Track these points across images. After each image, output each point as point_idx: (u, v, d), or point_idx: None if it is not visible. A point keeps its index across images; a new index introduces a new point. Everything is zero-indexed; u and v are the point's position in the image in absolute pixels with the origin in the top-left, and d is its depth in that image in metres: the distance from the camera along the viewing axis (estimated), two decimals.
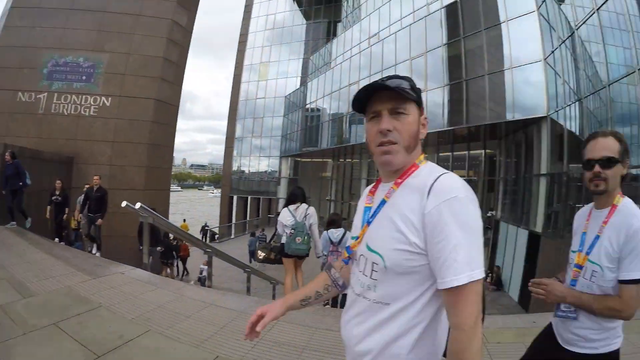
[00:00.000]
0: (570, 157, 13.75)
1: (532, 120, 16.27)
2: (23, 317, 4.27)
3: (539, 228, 15.38)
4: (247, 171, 46.22)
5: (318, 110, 33.93)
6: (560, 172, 14.53)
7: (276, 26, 45.20)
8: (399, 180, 1.39)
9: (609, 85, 11.61)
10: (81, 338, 3.82)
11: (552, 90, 15.51)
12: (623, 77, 11.03)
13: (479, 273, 1.21)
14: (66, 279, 5.60)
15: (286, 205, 6.77)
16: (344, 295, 1.88)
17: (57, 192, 10.90)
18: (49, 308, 4.61)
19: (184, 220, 34.39)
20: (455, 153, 23.25)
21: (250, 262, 18.03)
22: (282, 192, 40.12)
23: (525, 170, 17.74)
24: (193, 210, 76.26)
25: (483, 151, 22.56)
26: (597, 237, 2.02)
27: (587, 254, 2.06)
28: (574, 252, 2.16)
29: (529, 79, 16.32)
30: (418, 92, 1.44)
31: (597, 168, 1.99)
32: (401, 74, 1.51)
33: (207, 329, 4.43)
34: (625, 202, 2.01)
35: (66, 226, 11.43)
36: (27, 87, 17.85)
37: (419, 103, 1.44)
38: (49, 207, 10.97)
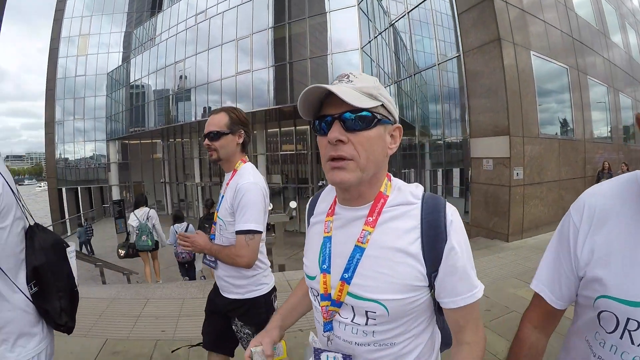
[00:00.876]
0: None
1: None
2: None
3: None
4: (72, 159, 40.40)
5: (144, 88, 31.89)
6: None
7: None
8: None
9: (418, 73, 14.04)
10: None
11: (368, 73, 17.49)
12: (428, 68, 13.62)
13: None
14: None
15: (133, 209, 8.39)
16: None
17: None
18: None
19: None
20: (282, 129, 24.22)
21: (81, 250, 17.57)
22: (113, 179, 37.31)
23: None
24: None
25: (309, 127, 23.83)
26: (222, 196, 2.41)
27: (217, 211, 2.43)
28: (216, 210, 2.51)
29: (349, 63, 18.20)
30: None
31: (206, 141, 2.38)
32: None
33: (88, 319, 4.77)
34: (244, 166, 2.40)
35: None
36: None
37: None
38: None
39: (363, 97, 1.15)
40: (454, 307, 1.21)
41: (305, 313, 1.63)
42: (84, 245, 19.99)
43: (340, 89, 1.12)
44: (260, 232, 2.27)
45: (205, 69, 24.45)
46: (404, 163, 16.10)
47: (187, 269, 8.96)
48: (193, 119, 25.36)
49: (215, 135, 2.33)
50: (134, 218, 8.26)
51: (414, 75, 14.55)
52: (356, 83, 1.18)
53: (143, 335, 4.42)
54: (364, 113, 1.14)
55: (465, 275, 1.19)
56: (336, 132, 1.15)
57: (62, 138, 39.94)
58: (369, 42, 17.68)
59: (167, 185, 33.34)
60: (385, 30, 17.43)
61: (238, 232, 2.23)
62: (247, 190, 2.21)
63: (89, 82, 38.64)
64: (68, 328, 1.82)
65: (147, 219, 8.23)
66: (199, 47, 24.96)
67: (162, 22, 30.53)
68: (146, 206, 8.53)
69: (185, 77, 26.72)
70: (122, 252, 8.34)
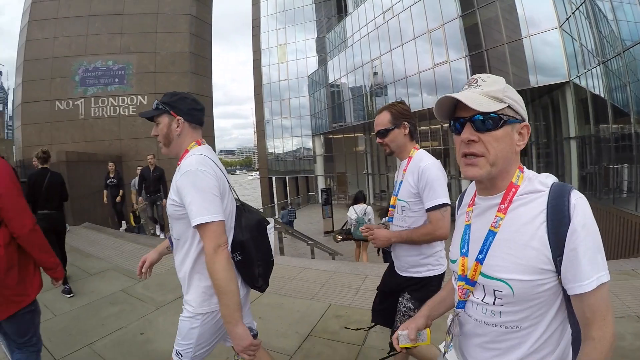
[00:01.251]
0: (597, 120, 14.03)
1: (556, 86, 16.49)
2: (148, 296, 5.10)
3: None
4: (281, 152, 46.40)
5: (340, 87, 34.16)
6: (589, 134, 14.70)
7: (286, 8, 44.74)
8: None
9: (627, 50, 11.55)
10: None
11: (571, 54, 15.72)
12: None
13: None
14: (165, 261, 6.10)
15: (352, 204, 9.69)
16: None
17: (112, 175, 11.09)
18: (166, 286, 5.36)
19: None
20: None
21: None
22: (319, 169, 40.38)
23: (555, 134, 17.94)
24: None
25: None
26: (401, 182, 2.58)
27: (396, 195, 2.61)
28: (393, 196, 2.70)
29: (546, 44, 16.58)
30: (167, 103, 2.16)
31: (378, 139, 2.63)
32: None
33: (313, 287, 5.48)
34: (418, 153, 2.57)
35: (121, 209, 11.51)
36: (63, 95, 18.74)
37: None
38: (105, 192, 11.12)
39: (490, 101, 1.27)
40: (579, 293, 1.21)
41: (452, 307, 1.61)
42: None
43: (467, 97, 1.26)
44: (450, 205, 2.43)
45: (399, 64, 24.50)
46: (617, 157, 13.57)
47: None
48: None
49: (383, 133, 2.57)
50: (353, 212, 9.39)
51: (623, 52, 12.16)
52: (483, 87, 1.30)
53: (363, 305, 4.71)
54: (491, 115, 1.26)
55: (588, 260, 1.20)
56: (467, 132, 1.30)
57: (270, 134, 46.03)
58: (567, 18, 15.65)
59: (369, 177, 34.53)
60: (583, 2, 15.01)
61: (431, 209, 2.41)
62: (429, 169, 2.40)
63: (292, 85, 43.76)
64: (262, 289, 2.25)
65: (365, 213, 9.32)
66: (392, 43, 25.10)
67: (352, 25, 31.74)
68: (364, 203, 9.72)
69: (376, 74, 27.44)
70: (339, 238, 9.32)
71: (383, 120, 2.57)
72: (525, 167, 1.38)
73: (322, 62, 39.72)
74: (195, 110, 2.19)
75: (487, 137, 1.27)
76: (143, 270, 2.43)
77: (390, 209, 2.70)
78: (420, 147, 2.62)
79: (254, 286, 2.20)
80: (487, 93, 1.28)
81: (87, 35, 19.22)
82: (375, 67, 27.54)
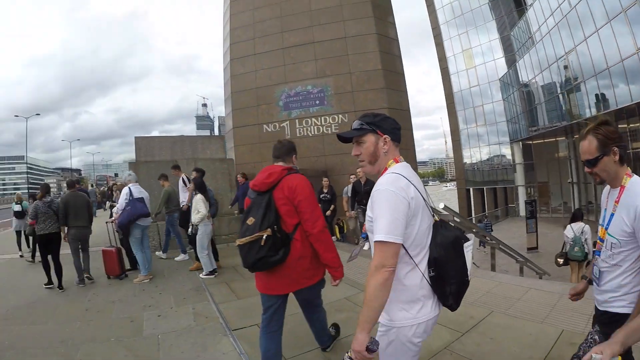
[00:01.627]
0: None
1: None
2: None
3: None
4: (476, 161, 44.55)
5: (536, 87, 31.71)
6: None
7: (464, 11, 43.34)
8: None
9: None
10: (440, 319, 4.72)
11: None
12: None
13: None
14: None
15: (570, 222, 9.42)
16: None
17: (325, 190, 11.59)
18: None
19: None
20: None
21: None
22: (519, 179, 38.13)
23: None
24: None
25: None
26: (612, 215, 2.32)
27: (606, 228, 2.36)
28: (600, 225, 2.48)
29: None
30: (372, 123, 2.27)
31: (586, 169, 2.39)
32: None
33: (542, 309, 5.22)
34: (632, 181, 2.27)
35: (330, 222, 11.67)
36: (269, 119, 21.45)
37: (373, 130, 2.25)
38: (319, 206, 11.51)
39: None
40: None
41: None
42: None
43: None
44: None
45: (596, 53, 22.33)
46: None
47: None
48: (596, 112, 23.35)
49: (592, 162, 2.32)
50: (570, 230, 9.17)
51: None
52: None
53: None
54: None
55: None
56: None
57: (465, 143, 44.57)
58: None
59: (574, 186, 31.30)
60: None
61: None
62: None
63: (483, 90, 41.76)
64: (452, 308, 2.23)
65: (582, 232, 9.00)
66: (585, 30, 23.08)
67: (536, 17, 29.89)
68: (581, 221, 9.36)
69: (566, 67, 25.69)
70: (561, 261, 9.35)
71: (589, 148, 2.31)
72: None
73: (511, 62, 37.46)
74: (396, 130, 2.29)
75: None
76: None
77: (598, 241, 2.49)
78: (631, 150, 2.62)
79: (444, 304, 2.22)
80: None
81: (284, 65, 21.54)
82: (569, 60, 25.35)
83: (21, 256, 11.23)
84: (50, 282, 7.80)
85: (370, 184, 9.71)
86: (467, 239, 2.28)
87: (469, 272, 2.25)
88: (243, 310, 5.90)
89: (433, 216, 2.25)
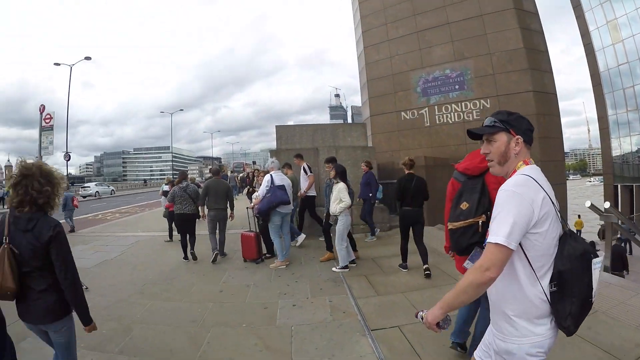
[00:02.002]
0: None
1: None
2: None
3: None
4: (626, 153, 37.41)
5: None
6: None
7: None
8: None
9: None
10: (599, 343, 4.06)
11: None
12: None
13: None
14: None
15: None
16: None
17: None
18: None
19: (579, 217, 31.17)
20: None
21: None
22: None
23: None
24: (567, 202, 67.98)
25: None
26: None
27: None
28: None
29: None
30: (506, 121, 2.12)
31: None
32: None
33: None
34: None
35: None
36: (407, 106, 20.74)
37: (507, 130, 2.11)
38: None
39: None
40: None
41: None
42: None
43: None
44: None
45: None
46: None
47: None
48: None
49: None
50: None
51: None
52: None
53: None
54: None
55: None
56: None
57: (612, 131, 37.96)
58: None
59: None
60: None
61: None
62: None
63: (633, 68, 34.93)
64: (569, 331, 1.98)
65: None
66: None
67: None
68: None
69: None
70: None
71: None
72: None
73: None
74: (529, 131, 2.17)
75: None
76: None
77: None
78: None
79: (561, 325, 1.99)
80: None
81: (419, 50, 20.74)
82: None
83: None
84: (186, 257, 9.04)
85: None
86: (597, 255, 2.04)
87: (594, 293, 2.01)
88: (383, 308, 5.56)
89: (562, 226, 2.08)
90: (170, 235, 11.57)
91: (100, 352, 4.30)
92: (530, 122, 2.20)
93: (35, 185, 2.86)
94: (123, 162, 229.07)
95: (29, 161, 3.01)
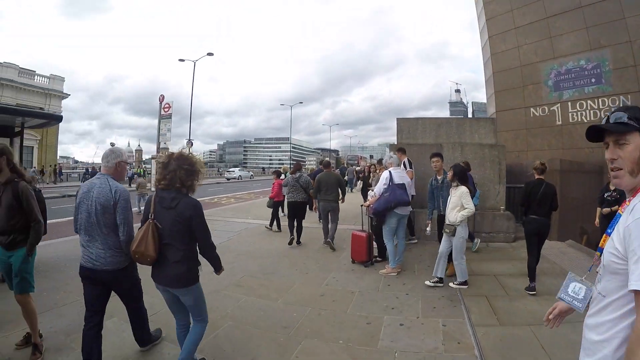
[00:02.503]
0: None
1: None
2: None
3: None
4: None
5: None
6: None
7: None
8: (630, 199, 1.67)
9: None
10: None
11: None
12: None
13: None
14: None
15: None
16: None
17: (612, 188, 8.29)
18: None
19: None
20: None
21: None
22: None
23: None
24: None
25: None
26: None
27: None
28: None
29: None
30: None
31: None
32: None
33: None
34: None
35: None
36: (537, 102, 18.78)
37: None
38: (598, 210, 8.60)
39: None
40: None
41: None
42: None
43: None
44: None
45: None
46: None
47: None
48: None
49: None
50: None
51: None
52: None
53: None
54: None
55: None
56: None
57: None
58: None
59: None
60: None
61: None
62: None
63: None
64: None
65: None
66: None
67: None
68: None
69: None
70: None
71: None
72: None
73: None
74: None
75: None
76: (551, 317, 2.18)
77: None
78: None
79: None
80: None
81: (550, 38, 18.70)
82: None
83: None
84: (291, 241, 9.93)
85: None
86: None
87: None
88: (505, 344, 4.60)
89: None
90: (271, 224, 12.20)
91: (179, 347, 4.04)
92: None
93: (181, 172, 3.46)
94: (244, 151, 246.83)
95: (176, 151, 3.74)
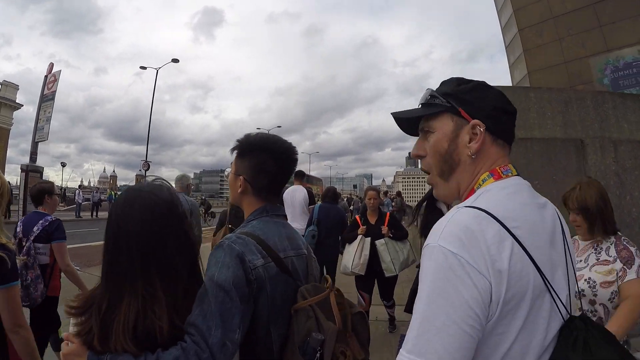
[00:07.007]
0: None
1: None
2: None
3: None
4: None
5: None
6: None
7: None
8: None
9: None
10: None
11: None
12: None
13: None
14: None
15: None
16: None
17: None
18: None
19: None
20: None
21: None
22: None
23: None
24: None
25: None
26: None
27: None
28: None
29: None
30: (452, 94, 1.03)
31: None
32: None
33: None
34: None
35: None
36: None
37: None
38: None
39: None
40: None
41: None
42: None
43: None
44: None
45: None
46: None
47: None
48: None
49: None
50: None
51: None
52: None
53: None
54: None
55: None
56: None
57: None
58: None
59: None
60: None
61: None
62: None
63: None
64: None
65: None
66: None
67: None
68: None
69: None
70: None
71: None
72: None
73: None
74: (501, 112, 1.01)
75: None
76: None
77: None
78: None
79: None
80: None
81: (600, 27, 15.69)
82: None
83: None
84: None
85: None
86: None
87: None
88: None
89: (568, 312, 0.94)
90: None
91: None
92: (505, 97, 1.03)
93: None
94: (220, 181, 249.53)
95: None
